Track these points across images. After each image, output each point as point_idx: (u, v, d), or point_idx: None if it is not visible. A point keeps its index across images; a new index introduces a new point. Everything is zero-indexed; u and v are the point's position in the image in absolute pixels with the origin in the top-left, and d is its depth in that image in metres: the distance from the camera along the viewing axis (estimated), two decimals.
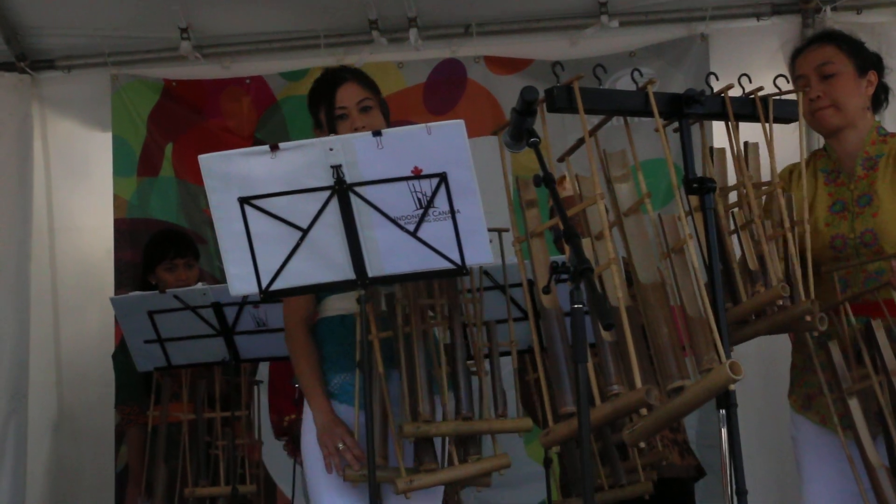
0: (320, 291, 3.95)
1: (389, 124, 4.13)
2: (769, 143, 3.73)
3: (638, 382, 3.14)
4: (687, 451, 4.98)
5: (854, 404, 3.83)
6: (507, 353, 5.17)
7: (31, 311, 6.53)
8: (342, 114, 4.12)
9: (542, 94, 3.32)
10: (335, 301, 4.08)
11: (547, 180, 3.24)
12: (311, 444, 4.04)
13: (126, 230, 6.52)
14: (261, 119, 6.57)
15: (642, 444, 4.08)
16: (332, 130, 4.11)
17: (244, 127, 6.55)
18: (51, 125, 6.74)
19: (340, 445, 3.93)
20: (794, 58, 4.18)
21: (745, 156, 3.74)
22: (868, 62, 4.14)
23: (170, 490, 5.23)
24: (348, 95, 4.14)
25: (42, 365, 6.52)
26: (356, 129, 4.02)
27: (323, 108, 4.17)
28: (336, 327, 4.06)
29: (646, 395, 3.13)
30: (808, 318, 3.54)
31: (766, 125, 3.70)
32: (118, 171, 6.59)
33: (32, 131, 6.67)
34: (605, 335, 3.22)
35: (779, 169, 3.83)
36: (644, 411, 3.21)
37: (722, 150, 3.74)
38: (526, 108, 3.28)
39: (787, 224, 3.66)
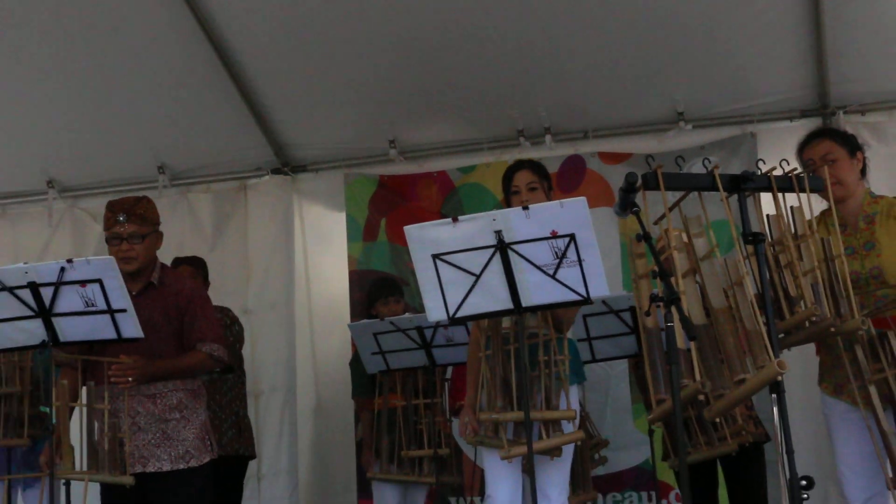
0: (489, 318, 3.90)
1: (551, 198, 4.13)
2: (803, 207, 3.69)
3: (697, 377, 3.16)
4: (759, 422, 4.86)
5: (873, 389, 3.73)
6: (621, 357, 5.14)
7: (296, 335, 6.58)
8: (515, 190, 4.17)
9: (639, 178, 3.30)
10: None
11: (646, 237, 3.22)
12: None
13: (356, 278, 6.52)
14: (444, 200, 6.54)
15: (718, 420, 4.00)
16: (509, 202, 4.18)
17: (433, 206, 6.53)
18: (305, 209, 6.78)
19: (466, 419, 3.98)
20: (802, 149, 4.12)
21: (793, 217, 3.68)
22: (854, 146, 4.10)
23: (391, 453, 5.24)
24: (521, 178, 4.18)
25: (305, 370, 6.56)
26: (523, 202, 4.04)
27: (505, 186, 4.23)
28: None
29: (701, 386, 3.15)
30: (861, 332, 3.59)
31: (802, 195, 3.64)
32: (350, 238, 6.61)
33: (293, 214, 6.73)
34: (682, 345, 3.17)
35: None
36: (701, 397, 3.24)
37: (777, 216, 3.68)
38: (629, 188, 3.27)
39: (821, 257, 3.64)
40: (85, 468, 4.08)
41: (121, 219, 4.24)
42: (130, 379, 4.09)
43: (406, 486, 5.34)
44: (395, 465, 5.23)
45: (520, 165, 4.26)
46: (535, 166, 4.26)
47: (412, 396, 5.23)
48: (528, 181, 4.17)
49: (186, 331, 4.33)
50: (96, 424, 4.14)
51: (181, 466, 4.23)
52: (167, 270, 4.45)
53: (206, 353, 4.32)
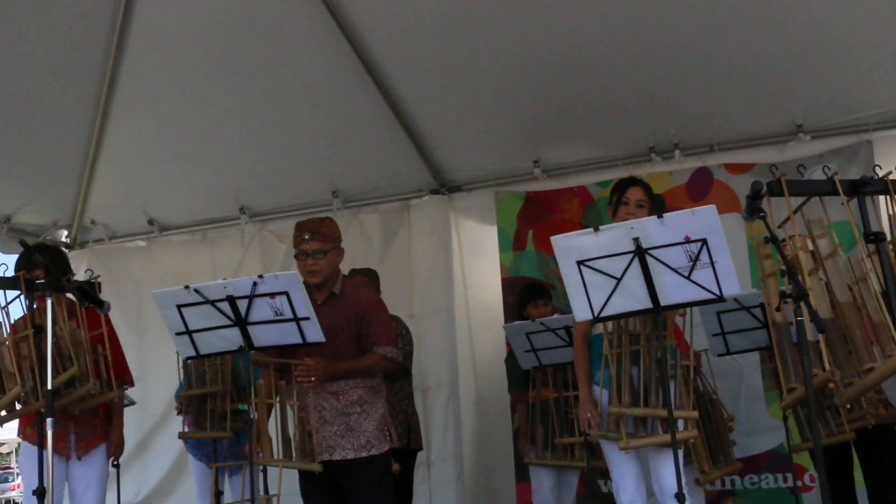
0: (629, 317, 3.88)
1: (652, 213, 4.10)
2: None
3: (826, 367, 3.12)
4: (887, 405, 4.70)
5: None
6: (753, 350, 5.04)
7: (457, 336, 6.69)
8: (625, 202, 4.15)
9: (765, 186, 3.28)
10: (598, 326, 4.07)
11: (773, 240, 3.20)
12: None
13: (508, 284, 6.58)
14: (585, 212, 6.55)
15: (848, 406, 3.91)
16: (616, 210, 4.18)
17: (575, 217, 6.55)
18: (461, 224, 6.90)
19: (588, 415, 3.97)
20: None
21: None
22: None
23: (545, 441, 5.28)
24: (633, 194, 4.17)
25: (465, 368, 6.66)
26: (629, 215, 4.06)
27: (616, 194, 4.22)
28: (598, 341, 4.07)
29: (830, 375, 3.11)
30: None
31: None
32: (502, 248, 6.69)
33: (451, 229, 6.86)
34: (811, 337, 3.14)
35: None
36: (831, 385, 3.18)
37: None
38: (755, 195, 3.27)
39: None
40: (280, 457, 4.27)
41: (306, 237, 4.41)
42: (313, 379, 4.25)
43: (560, 470, 5.37)
44: (549, 452, 5.26)
45: (634, 182, 4.24)
46: (646, 187, 4.24)
47: (563, 389, 5.25)
48: (638, 198, 4.16)
49: (364, 335, 4.45)
50: (289, 418, 4.31)
51: (363, 455, 4.34)
52: (348, 282, 4.59)
53: (381, 354, 4.43)
